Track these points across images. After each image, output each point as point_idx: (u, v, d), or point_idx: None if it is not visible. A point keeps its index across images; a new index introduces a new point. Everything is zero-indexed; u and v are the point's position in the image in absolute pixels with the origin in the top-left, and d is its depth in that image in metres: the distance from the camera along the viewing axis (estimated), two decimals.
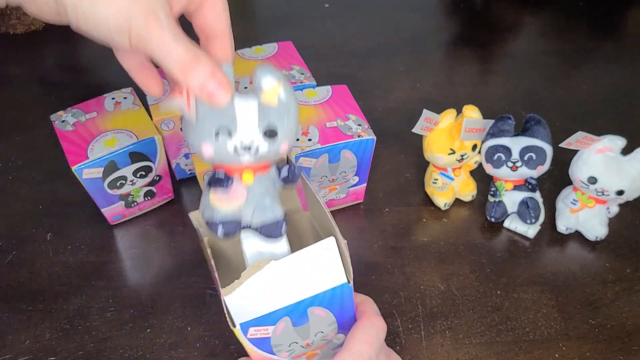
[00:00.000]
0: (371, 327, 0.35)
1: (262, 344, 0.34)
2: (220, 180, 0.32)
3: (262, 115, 0.31)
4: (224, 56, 0.34)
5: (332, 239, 0.32)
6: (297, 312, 0.34)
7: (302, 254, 0.32)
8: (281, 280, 0.32)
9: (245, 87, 0.55)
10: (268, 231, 0.33)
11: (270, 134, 0.31)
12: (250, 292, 0.31)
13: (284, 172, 0.34)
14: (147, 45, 0.29)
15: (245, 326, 0.32)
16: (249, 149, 0.31)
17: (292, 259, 0.31)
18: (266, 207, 0.33)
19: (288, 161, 0.36)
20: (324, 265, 0.33)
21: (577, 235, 0.55)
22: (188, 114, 0.31)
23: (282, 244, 0.35)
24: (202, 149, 0.31)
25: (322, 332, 0.36)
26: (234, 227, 0.32)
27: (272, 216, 0.33)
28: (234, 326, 0.32)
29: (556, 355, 0.46)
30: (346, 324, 0.36)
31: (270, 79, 0.31)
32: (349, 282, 0.34)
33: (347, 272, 0.34)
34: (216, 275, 0.33)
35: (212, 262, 0.34)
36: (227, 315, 0.32)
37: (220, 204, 0.32)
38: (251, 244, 0.35)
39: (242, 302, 0.31)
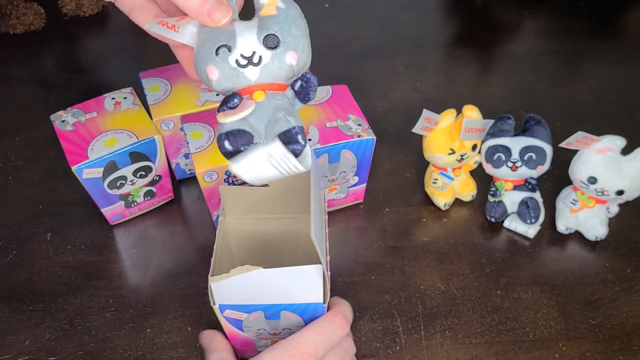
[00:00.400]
0: (327, 322, 0.36)
1: (235, 322, 0.39)
2: (228, 97, 0.30)
3: (261, 26, 0.30)
4: None
5: (320, 267, 0.33)
6: (271, 311, 0.37)
7: (289, 271, 0.33)
8: (264, 285, 0.34)
9: None
10: (285, 139, 0.30)
11: (271, 40, 0.30)
12: (233, 286, 0.34)
13: (297, 84, 0.32)
14: None
15: (223, 307, 0.37)
16: (251, 60, 0.29)
17: (278, 272, 0.34)
18: (278, 119, 0.30)
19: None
20: (306, 285, 0.34)
21: (577, 235, 0.55)
22: (175, 37, 0.31)
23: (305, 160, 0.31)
24: (208, 73, 0.30)
25: (290, 330, 0.39)
26: (245, 141, 0.30)
27: (285, 125, 0.30)
28: (214, 304, 0.36)
29: (556, 355, 0.46)
30: None
31: None
32: (324, 302, 0.36)
33: (325, 295, 0.36)
34: (212, 259, 0.37)
35: (215, 246, 0.39)
36: (209, 294, 0.36)
37: (225, 117, 0.30)
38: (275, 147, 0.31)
39: (225, 290, 0.35)
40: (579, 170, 0.51)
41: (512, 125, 0.53)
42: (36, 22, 0.81)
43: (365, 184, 0.56)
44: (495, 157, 0.53)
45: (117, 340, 0.47)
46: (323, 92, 0.54)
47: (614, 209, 0.54)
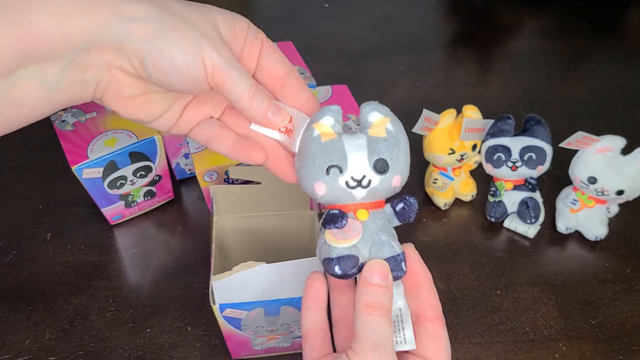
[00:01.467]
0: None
1: (233, 321, 0.39)
2: (335, 216, 0.31)
3: (371, 149, 0.30)
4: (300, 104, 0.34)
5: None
6: (272, 307, 0.38)
7: (292, 264, 0.34)
8: (266, 280, 0.35)
9: None
10: (390, 265, 0.31)
11: (382, 165, 0.30)
12: (236, 284, 0.35)
13: (399, 206, 0.33)
14: (222, 71, 0.29)
15: (223, 306, 0.37)
16: (361, 183, 0.30)
17: (281, 266, 0.34)
18: (383, 243, 0.31)
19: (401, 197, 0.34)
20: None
21: (577, 235, 0.55)
22: (290, 145, 0.32)
23: (399, 291, 0.32)
24: (315, 188, 0.31)
25: (288, 324, 0.41)
26: (352, 265, 0.30)
27: (390, 251, 0.31)
28: (214, 304, 0.37)
29: (556, 355, 0.46)
30: None
31: (377, 113, 0.32)
32: None
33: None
34: (212, 259, 0.38)
35: (213, 246, 0.39)
36: (210, 294, 0.36)
37: (337, 240, 0.31)
38: None
39: (227, 288, 0.35)
40: (579, 170, 0.51)
41: (512, 125, 0.53)
42: None
43: None
44: (495, 157, 0.53)
45: (117, 340, 0.47)
46: (323, 92, 0.54)
47: (614, 209, 0.54)
